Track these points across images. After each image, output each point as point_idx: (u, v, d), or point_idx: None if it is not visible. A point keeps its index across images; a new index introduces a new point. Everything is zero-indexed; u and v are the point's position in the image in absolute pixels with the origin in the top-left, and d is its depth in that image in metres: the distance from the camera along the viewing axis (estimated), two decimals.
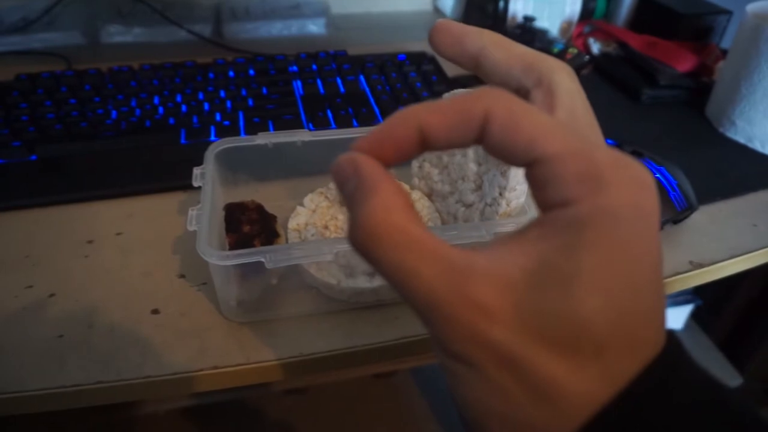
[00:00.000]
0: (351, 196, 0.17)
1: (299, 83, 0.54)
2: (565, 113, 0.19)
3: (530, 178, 0.17)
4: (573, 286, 0.15)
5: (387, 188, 0.17)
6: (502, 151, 0.17)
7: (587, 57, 0.59)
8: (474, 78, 0.61)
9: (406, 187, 0.40)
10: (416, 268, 0.16)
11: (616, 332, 0.15)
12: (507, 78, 0.21)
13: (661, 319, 0.16)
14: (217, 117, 0.48)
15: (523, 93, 0.21)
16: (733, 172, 0.48)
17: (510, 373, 0.15)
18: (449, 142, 0.18)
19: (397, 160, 0.18)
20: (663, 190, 0.40)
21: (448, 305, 0.15)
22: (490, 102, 0.17)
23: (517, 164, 0.17)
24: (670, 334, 0.17)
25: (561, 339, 0.15)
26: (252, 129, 0.47)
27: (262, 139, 0.38)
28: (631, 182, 0.16)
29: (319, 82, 0.54)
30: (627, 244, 0.15)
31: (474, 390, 0.16)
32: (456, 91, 0.36)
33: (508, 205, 0.33)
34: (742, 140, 0.52)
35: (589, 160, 0.16)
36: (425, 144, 0.18)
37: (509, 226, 0.31)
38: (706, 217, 0.42)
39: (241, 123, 0.48)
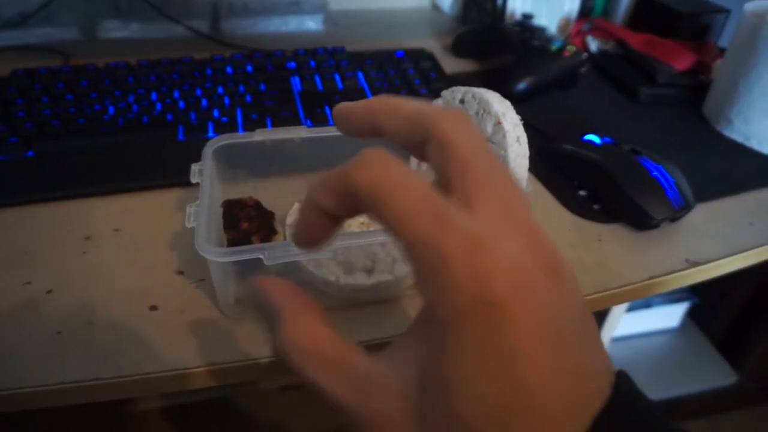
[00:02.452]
0: (268, 320, 0.20)
1: (297, 80, 0.54)
2: (458, 166, 0.18)
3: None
4: (451, 395, 0.15)
5: (292, 309, 0.19)
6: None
7: (585, 55, 0.59)
8: (474, 75, 0.61)
9: None
10: (327, 385, 0.17)
11: (503, 422, 0.15)
12: (405, 141, 0.20)
13: (562, 392, 0.16)
14: (215, 113, 0.48)
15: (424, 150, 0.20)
16: (730, 170, 0.48)
17: None
18: (349, 213, 0.18)
19: (330, 234, 0.20)
20: (660, 188, 0.40)
21: (357, 413, 0.17)
22: (356, 178, 0.17)
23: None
24: (612, 396, 0.16)
25: None
26: (250, 125, 0.47)
27: (260, 135, 0.38)
28: (477, 274, 0.15)
29: (317, 78, 0.54)
30: (481, 342, 0.15)
31: None
32: (454, 88, 0.36)
33: None
34: (739, 139, 0.52)
35: (435, 251, 0.15)
36: (335, 222, 0.19)
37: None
38: (702, 215, 0.43)
39: (239, 119, 0.48)
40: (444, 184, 0.18)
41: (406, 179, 0.16)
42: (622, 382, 0.17)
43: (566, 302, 0.17)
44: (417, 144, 0.19)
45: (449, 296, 0.15)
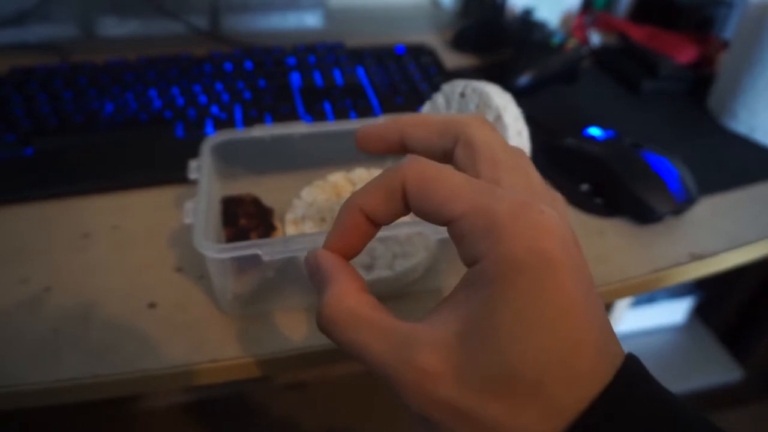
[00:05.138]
0: (316, 287, 0.21)
1: (297, 76, 0.54)
2: (487, 162, 0.21)
3: (451, 237, 0.19)
4: (496, 340, 0.16)
5: (341, 278, 0.20)
6: (422, 215, 0.19)
7: (587, 49, 0.59)
8: (475, 70, 0.60)
9: None
10: (368, 345, 0.18)
11: (545, 371, 0.16)
12: (431, 148, 0.22)
13: (598, 351, 0.17)
14: (214, 110, 0.48)
15: (449, 155, 0.22)
16: (734, 163, 0.48)
17: (464, 424, 0.16)
18: (390, 215, 0.20)
19: (363, 242, 0.21)
20: (663, 182, 0.40)
21: (399, 374, 0.17)
22: (405, 172, 0.19)
23: (439, 225, 0.19)
24: (627, 361, 0.17)
25: (497, 386, 0.16)
26: (249, 122, 0.47)
27: (259, 131, 0.37)
28: (528, 229, 0.17)
29: (316, 74, 0.54)
30: (536, 291, 0.16)
31: None
32: (454, 81, 0.36)
33: None
34: (743, 131, 0.51)
35: (488, 214, 0.17)
36: (374, 222, 0.21)
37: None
38: (706, 208, 0.42)
39: (238, 116, 0.48)
40: (475, 177, 0.20)
41: (447, 169, 0.19)
42: (632, 363, 0.17)
43: (587, 268, 0.18)
44: (445, 149, 0.22)
45: (503, 249, 0.17)
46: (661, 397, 0.16)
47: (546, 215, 0.17)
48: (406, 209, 0.20)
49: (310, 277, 0.21)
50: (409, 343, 0.17)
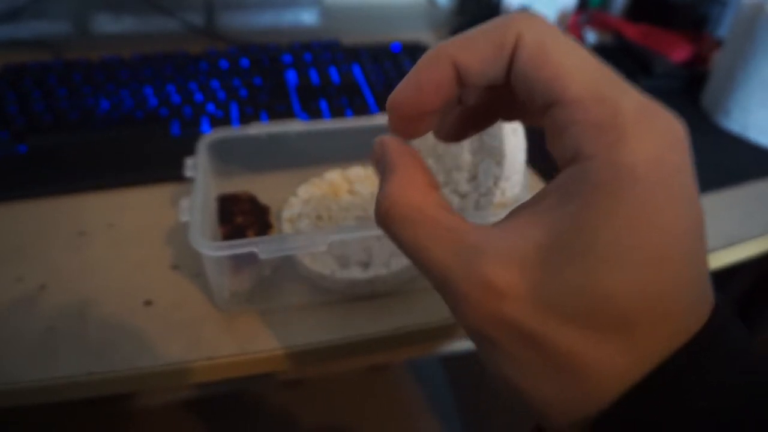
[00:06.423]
0: (381, 176, 0.18)
1: (293, 73, 0.53)
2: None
3: (547, 124, 0.16)
4: (590, 261, 0.14)
5: (405, 167, 0.17)
6: (524, 86, 0.16)
7: None
8: None
9: None
10: (428, 245, 0.16)
11: (640, 306, 0.14)
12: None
13: (697, 292, 0.15)
14: (210, 108, 0.48)
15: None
16: (728, 161, 0.48)
17: (531, 348, 0.14)
18: (484, 76, 0.17)
19: (439, 102, 0.17)
20: None
21: (460, 283, 0.15)
22: (521, 27, 0.16)
23: (537, 104, 0.16)
24: (718, 306, 0.15)
25: (580, 313, 0.14)
26: (245, 120, 0.46)
27: (255, 129, 0.37)
28: (656, 135, 0.14)
29: (312, 72, 0.54)
30: (648, 210, 0.14)
31: (499, 365, 0.15)
32: None
33: (503, 194, 0.33)
34: (737, 130, 0.52)
35: (611, 108, 0.14)
36: (461, 80, 0.17)
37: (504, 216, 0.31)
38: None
39: (234, 114, 0.47)
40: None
41: (570, 40, 0.16)
42: (724, 309, 0.15)
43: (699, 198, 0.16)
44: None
45: (623, 152, 0.14)
46: (748, 349, 0.15)
47: (677, 123, 0.15)
48: (505, 75, 0.16)
49: (375, 165, 0.19)
50: (477, 251, 0.15)
